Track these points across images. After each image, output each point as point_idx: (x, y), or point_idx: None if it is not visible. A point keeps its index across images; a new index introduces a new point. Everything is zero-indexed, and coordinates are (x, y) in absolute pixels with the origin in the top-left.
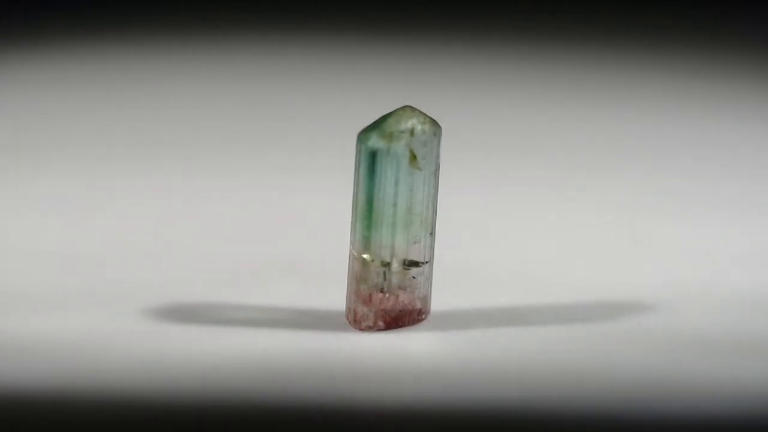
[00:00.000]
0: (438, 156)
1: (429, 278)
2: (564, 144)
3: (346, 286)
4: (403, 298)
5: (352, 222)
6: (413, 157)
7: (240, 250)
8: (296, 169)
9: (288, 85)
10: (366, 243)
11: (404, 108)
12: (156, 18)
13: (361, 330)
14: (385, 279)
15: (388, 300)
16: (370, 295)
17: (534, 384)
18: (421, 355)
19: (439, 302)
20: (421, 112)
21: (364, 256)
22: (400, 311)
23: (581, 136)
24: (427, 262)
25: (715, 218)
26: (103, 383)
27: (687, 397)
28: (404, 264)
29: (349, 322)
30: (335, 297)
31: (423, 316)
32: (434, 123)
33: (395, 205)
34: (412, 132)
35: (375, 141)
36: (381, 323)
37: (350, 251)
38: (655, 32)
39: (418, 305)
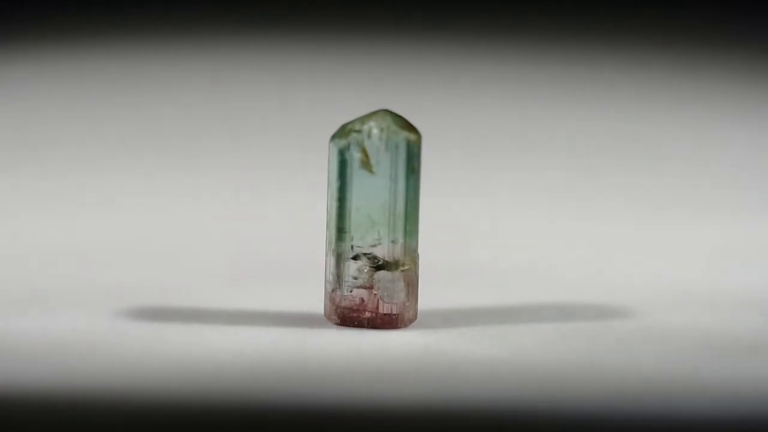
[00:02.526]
0: (412, 162)
1: (408, 284)
2: (554, 145)
3: None
4: (360, 298)
5: None
6: (365, 159)
7: (234, 250)
8: (293, 169)
9: (282, 85)
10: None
11: (378, 111)
12: (155, 19)
13: (328, 320)
14: (333, 275)
15: (334, 296)
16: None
17: (528, 383)
18: (409, 354)
19: (429, 302)
20: (394, 116)
21: (333, 249)
22: (355, 310)
23: (571, 137)
24: (405, 269)
25: (714, 218)
26: (88, 383)
27: (685, 398)
28: (364, 259)
29: None
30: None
31: (403, 323)
32: (408, 128)
33: (339, 200)
34: (369, 134)
35: (334, 136)
36: (335, 318)
37: None
38: (648, 32)
39: (381, 309)
